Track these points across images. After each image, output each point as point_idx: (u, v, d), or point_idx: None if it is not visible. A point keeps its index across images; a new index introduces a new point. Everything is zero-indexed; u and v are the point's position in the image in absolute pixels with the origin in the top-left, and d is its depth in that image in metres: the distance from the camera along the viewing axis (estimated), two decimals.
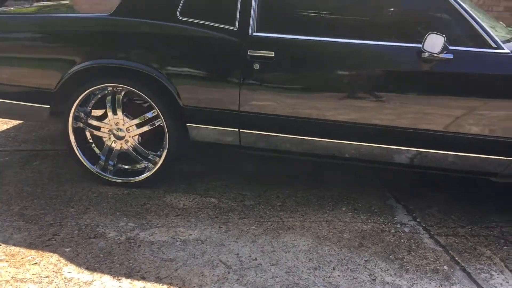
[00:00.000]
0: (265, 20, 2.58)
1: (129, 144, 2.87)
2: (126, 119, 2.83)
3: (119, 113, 2.81)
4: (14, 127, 3.86)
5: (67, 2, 3.70)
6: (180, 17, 2.63)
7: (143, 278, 2.10)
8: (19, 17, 2.89)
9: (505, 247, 2.50)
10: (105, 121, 2.87)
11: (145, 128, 2.82)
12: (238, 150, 2.87)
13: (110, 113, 2.82)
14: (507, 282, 2.21)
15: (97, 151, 2.97)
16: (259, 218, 2.66)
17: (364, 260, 2.33)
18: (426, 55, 2.40)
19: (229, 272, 2.17)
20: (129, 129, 2.84)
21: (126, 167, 2.97)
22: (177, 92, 2.66)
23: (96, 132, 2.90)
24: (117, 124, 2.84)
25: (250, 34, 2.57)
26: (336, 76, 2.57)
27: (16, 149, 3.43)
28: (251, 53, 2.56)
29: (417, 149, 2.60)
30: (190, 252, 2.31)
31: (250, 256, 2.30)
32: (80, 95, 2.77)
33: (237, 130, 2.71)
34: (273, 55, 2.54)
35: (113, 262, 2.20)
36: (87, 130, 2.92)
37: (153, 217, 2.61)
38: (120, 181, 2.91)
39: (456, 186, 3.17)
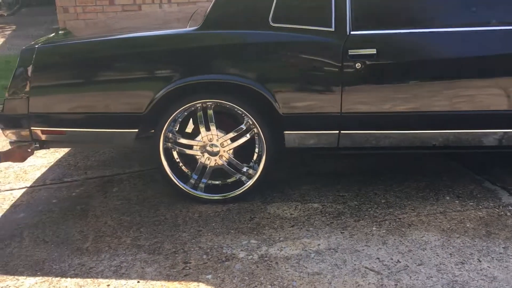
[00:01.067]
0: (362, 17, 2.51)
1: (223, 159, 2.78)
2: (220, 134, 2.73)
3: (213, 128, 2.71)
4: (68, 154, 3.68)
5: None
6: (272, 24, 2.54)
7: None
8: (100, 41, 2.72)
9: None
10: (197, 138, 2.76)
11: (241, 141, 2.73)
12: (333, 152, 2.83)
13: (203, 130, 2.72)
14: None
15: (185, 170, 2.87)
16: (374, 218, 2.61)
17: (502, 247, 2.32)
18: None
19: (382, 279, 2.13)
20: (223, 143, 2.74)
21: (217, 182, 2.88)
22: (275, 100, 2.57)
23: (188, 151, 2.79)
24: (210, 140, 2.74)
25: (348, 33, 2.51)
26: (443, 67, 2.53)
27: (86, 178, 3.27)
28: (351, 52, 2.49)
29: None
30: (331, 263, 2.25)
31: (392, 259, 2.26)
32: (171, 115, 2.65)
33: (337, 132, 2.65)
34: (374, 53, 2.49)
35: (262, 283, 2.12)
36: (175, 150, 2.80)
37: (270, 231, 2.53)
38: (217, 197, 2.82)
39: None
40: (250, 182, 2.78)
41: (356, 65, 2.50)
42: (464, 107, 2.55)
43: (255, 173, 2.77)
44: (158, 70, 2.61)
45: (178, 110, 2.65)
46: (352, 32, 2.51)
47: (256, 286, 2.11)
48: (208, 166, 2.80)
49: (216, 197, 2.82)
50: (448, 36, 2.50)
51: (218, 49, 2.58)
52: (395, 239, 2.42)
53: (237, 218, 2.68)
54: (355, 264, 2.23)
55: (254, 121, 2.65)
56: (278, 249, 2.37)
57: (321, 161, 3.35)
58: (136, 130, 2.70)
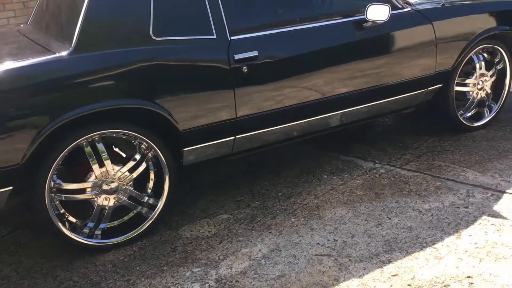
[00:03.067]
0: (238, 22, 2.57)
1: (123, 194, 2.46)
2: (116, 167, 2.40)
3: (107, 162, 2.36)
4: None
5: None
6: (154, 38, 2.36)
7: None
8: None
9: (443, 155, 3.29)
10: (90, 179, 2.36)
11: (140, 169, 2.47)
12: (226, 159, 2.82)
13: (96, 167, 2.34)
14: (475, 174, 2.97)
15: (73, 220, 2.43)
16: (286, 211, 2.73)
17: (395, 202, 2.74)
18: (369, 23, 2.87)
19: (336, 259, 2.27)
20: (121, 177, 2.42)
21: (112, 224, 2.52)
22: (173, 118, 2.42)
23: (80, 196, 2.36)
24: (106, 177, 2.38)
25: (229, 39, 2.53)
26: (310, 58, 2.77)
27: None
28: (237, 57, 2.53)
29: (366, 104, 3.08)
30: (285, 262, 2.27)
31: (329, 240, 2.42)
32: (55, 159, 2.21)
33: (233, 138, 2.66)
34: (257, 54, 2.58)
35: None
36: (58, 200, 2.34)
37: (205, 254, 2.38)
38: (121, 240, 2.48)
39: (355, 131, 3.78)
40: (156, 212, 2.54)
41: (243, 68, 2.55)
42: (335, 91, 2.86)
43: (158, 201, 2.55)
44: (29, 109, 2.13)
45: (64, 152, 2.23)
46: (232, 38, 2.54)
47: None
48: (107, 208, 2.43)
49: (120, 239, 2.47)
50: (310, 31, 2.78)
51: (100, 73, 2.25)
52: (317, 222, 2.59)
53: (159, 254, 2.42)
54: (305, 256, 2.31)
55: (152, 144, 2.43)
56: (227, 268, 2.26)
57: (195, 172, 3.27)
58: (11, 188, 2.15)
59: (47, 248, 2.52)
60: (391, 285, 2.06)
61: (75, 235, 2.36)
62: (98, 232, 2.46)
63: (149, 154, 2.49)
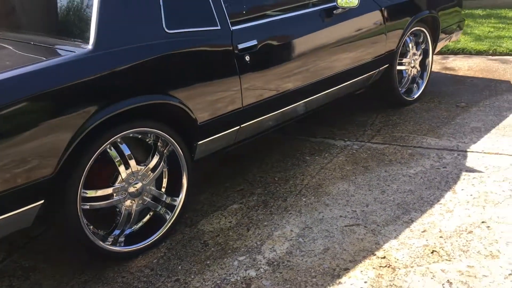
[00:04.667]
0: (237, 12, 2.61)
1: (147, 195, 2.35)
2: (140, 167, 2.29)
3: (133, 163, 2.24)
4: None
5: None
6: (168, 31, 2.29)
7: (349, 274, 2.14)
8: None
9: (398, 127, 3.67)
10: (116, 184, 2.21)
11: (160, 168, 2.38)
12: (227, 150, 2.83)
13: (122, 169, 2.21)
14: (434, 140, 3.39)
15: (93, 230, 2.26)
16: (292, 193, 2.84)
17: (384, 171, 3.01)
18: (339, 10, 3.10)
19: (366, 226, 2.46)
20: (144, 178, 2.31)
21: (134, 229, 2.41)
22: (192, 112, 2.37)
23: (106, 203, 2.20)
24: (132, 178, 2.25)
25: (231, 29, 2.55)
26: (295, 45, 2.90)
27: None
28: (240, 46, 2.56)
29: (335, 87, 3.32)
30: (321, 236, 2.39)
31: (348, 212, 2.60)
32: (86, 166, 2.05)
33: (237, 127, 2.69)
34: (256, 43, 2.64)
35: (301, 284, 2.08)
36: (81, 208, 2.16)
37: (240, 243, 2.40)
38: (147, 244, 2.37)
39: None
40: (177, 209, 2.48)
41: (246, 57, 2.59)
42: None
43: (176, 200, 2.48)
44: (61, 113, 1.93)
45: (93, 157, 2.07)
46: (233, 28, 2.57)
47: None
48: (133, 211, 2.31)
49: (148, 242, 2.37)
50: (305, 16, 2.94)
51: (126, 70, 2.13)
52: (327, 199, 2.75)
53: (193, 250, 2.38)
54: (336, 228, 2.46)
55: (172, 140, 2.37)
56: (270, 252, 2.31)
57: None
58: (42, 202, 1.94)
59: (62, 266, 2.31)
60: (427, 239, 2.32)
61: (108, 245, 2.21)
62: (121, 239, 2.32)
63: (165, 151, 2.41)
